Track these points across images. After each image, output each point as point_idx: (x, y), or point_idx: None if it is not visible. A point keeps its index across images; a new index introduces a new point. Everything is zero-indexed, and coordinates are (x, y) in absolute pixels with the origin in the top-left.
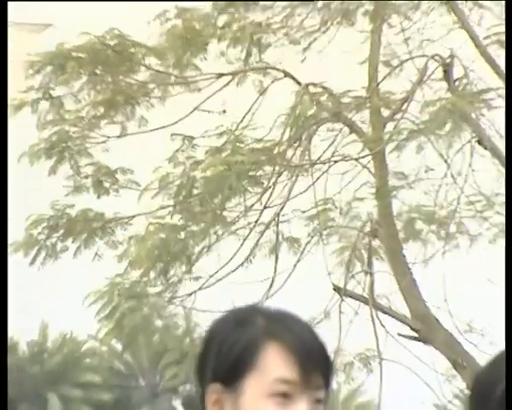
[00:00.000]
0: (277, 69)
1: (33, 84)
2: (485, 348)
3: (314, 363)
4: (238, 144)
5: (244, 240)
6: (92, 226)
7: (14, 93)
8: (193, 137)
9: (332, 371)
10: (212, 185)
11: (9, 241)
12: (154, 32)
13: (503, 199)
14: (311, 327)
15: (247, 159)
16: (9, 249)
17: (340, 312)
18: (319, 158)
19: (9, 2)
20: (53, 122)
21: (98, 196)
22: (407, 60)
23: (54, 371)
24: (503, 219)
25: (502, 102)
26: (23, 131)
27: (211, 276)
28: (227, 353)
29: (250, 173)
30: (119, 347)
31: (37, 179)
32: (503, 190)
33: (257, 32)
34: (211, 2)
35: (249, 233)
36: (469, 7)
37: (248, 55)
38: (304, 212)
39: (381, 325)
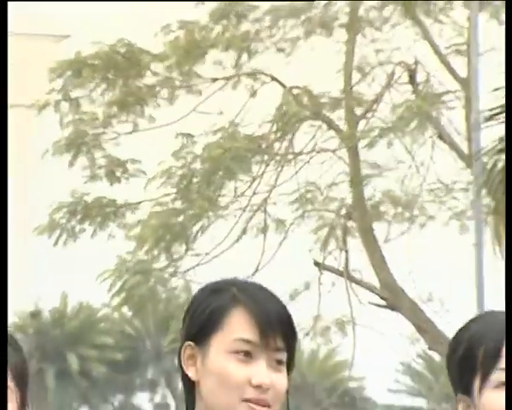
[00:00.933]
0: (265, 74)
1: (55, 87)
2: (444, 315)
3: (274, 327)
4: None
5: (235, 223)
6: (106, 211)
7: (38, 95)
8: (193, 136)
9: (293, 336)
10: (209, 166)
11: (35, 225)
12: (160, 41)
13: (460, 186)
14: (278, 298)
15: (240, 145)
16: (35, 232)
17: (320, 283)
18: (302, 150)
19: (32, 16)
20: (72, 121)
21: (111, 184)
22: (377, 66)
23: (72, 334)
24: (458, 203)
25: (459, 104)
26: (47, 128)
27: (207, 253)
28: (199, 315)
29: (239, 164)
30: (129, 314)
31: (58, 171)
32: (459, 178)
33: (246, 40)
34: (208, 15)
35: (240, 215)
36: (430, 22)
37: (239, 59)
38: (288, 195)
39: (355, 294)
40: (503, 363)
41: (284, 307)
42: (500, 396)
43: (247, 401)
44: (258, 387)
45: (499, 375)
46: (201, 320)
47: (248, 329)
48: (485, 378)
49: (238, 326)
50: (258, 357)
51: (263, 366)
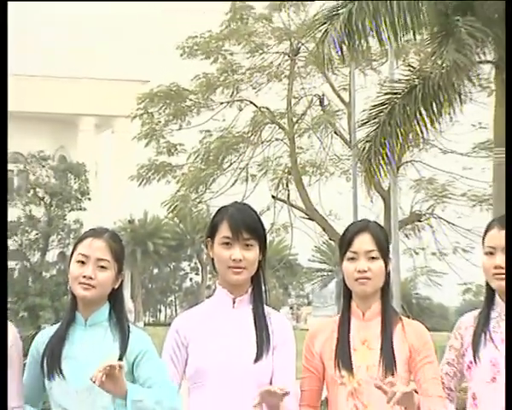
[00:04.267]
0: (246, 100)
1: (140, 107)
2: (336, 223)
3: (242, 226)
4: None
5: (231, 177)
6: (166, 169)
7: (132, 110)
8: (210, 131)
9: (258, 231)
10: (218, 148)
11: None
12: (193, 83)
13: (346, 158)
14: (249, 210)
15: (232, 137)
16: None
17: (274, 207)
18: (265, 139)
19: (120, 67)
20: (148, 124)
21: (169, 155)
22: (304, 96)
23: (150, 232)
24: (346, 166)
25: (345, 116)
26: (133, 132)
27: (217, 192)
28: (211, 224)
29: (233, 145)
30: (177, 222)
31: (140, 149)
32: (346, 154)
33: (236, 84)
34: (216, 70)
35: (233, 173)
36: (331, 74)
37: (233, 92)
38: (259, 164)
39: (293, 212)
40: (353, 247)
41: (251, 216)
42: (350, 266)
43: (230, 267)
44: (234, 260)
45: (349, 254)
46: (211, 227)
47: (226, 230)
48: (344, 253)
49: (223, 229)
50: (234, 244)
51: (237, 249)
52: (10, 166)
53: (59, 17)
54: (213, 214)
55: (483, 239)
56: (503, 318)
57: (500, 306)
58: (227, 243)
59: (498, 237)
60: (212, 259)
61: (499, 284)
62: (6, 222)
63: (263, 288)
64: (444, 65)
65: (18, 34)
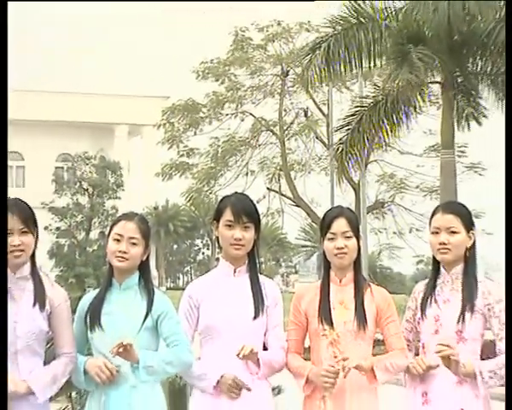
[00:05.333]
0: (247, 112)
1: (163, 118)
2: (318, 209)
3: (242, 212)
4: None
5: (238, 175)
6: (184, 167)
7: (157, 120)
8: (218, 138)
9: (254, 216)
10: (225, 149)
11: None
12: (205, 99)
13: (325, 157)
14: (248, 199)
15: (236, 141)
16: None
17: (269, 196)
18: (262, 143)
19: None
20: (170, 130)
21: (187, 157)
22: (292, 110)
23: (171, 215)
24: (325, 164)
25: (324, 124)
26: (157, 138)
27: (224, 184)
28: (217, 209)
29: (237, 148)
30: (193, 208)
31: (166, 154)
32: (324, 154)
33: (239, 100)
34: (224, 88)
35: (236, 170)
36: (313, 92)
37: (237, 105)
38: (258, 163)
39: (283, 201)
40: (332, 229)
41: (249, 204)
42: (330, 244)
43: (232, 244)
44: (235, 239)
45: (329, 235)
46: (217, 212)
47: (229, 215)
48: (325, 234)
49: (226, 214)
50: (235, 226)
51: (237, 230)
52: (61, 164)
53: (59, 17)
54: (218, 202)
55: (430, 221)
56: (446, 283)
57: (443, 274)
58: (229, 225)
59: (442, 219)
60: (218, 237)
61: (442, 258)
62: (6, 222)
63: (257, 261)
64: (400, 83)
65: (18, 34)
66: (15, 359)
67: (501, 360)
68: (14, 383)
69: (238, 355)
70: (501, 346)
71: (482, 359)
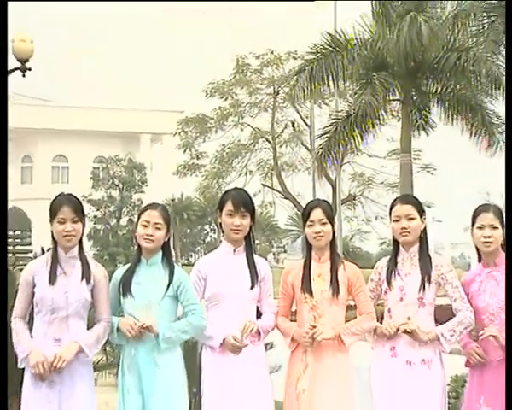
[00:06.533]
0: (246, 123)
1: (178, 127)
2: (302, 201)
3: (240, 204)
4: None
5: (240, 174)
6: (195, 167)
7: (173, 129)
8: (224, 144)
9: (250, 206)
10: (229, 153)
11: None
12: (212, 113)
13: (309, 159)
14: (246, 193)
15: (238, 147)
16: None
17: (264, 191)
18: (258, 148)
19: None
20: (184, 138)
21: (197, 158)
22: (282, 121)
23: (185, 205)
24: (310, 165)
25: (308, 134)
26: (175, 143)
27: (228, 183)
28: (221, 200)
29: (238, 152)
30: (203, 200)
31: (182, 156)
32: (308, 157)
33: (239, 114)
34: (228, 104)
35: (238, 171)
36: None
37: (238, 118)
38: (255, 164)
39: (275, 195)
40: (310, 217)
41: (246, 197)
42: (309, 229)
43: (232, 230)
44: (235, 225)
45: (308, 222)
46: (220, 203)
47: (230, 205)
48: (305, 222)
49: (228, 205)
50: (235, 215)
51: (237, 217)
52: (97, 165)
53: (59, 17)
54: (221, 195)
55: (390, 211)
56: (406, 260)
57: (402, 253)
58: (230, 214)
59: (401, 209)
60: (221, 223)
61: (404, 239)
62: (6, 222)
63: (252, 242)
64: (363, 102)
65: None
66: (66, 322)
67: (457, 318)
68: (66, 346)
69: (242, 333)
70: (455, 305)
71: (441, 323)
